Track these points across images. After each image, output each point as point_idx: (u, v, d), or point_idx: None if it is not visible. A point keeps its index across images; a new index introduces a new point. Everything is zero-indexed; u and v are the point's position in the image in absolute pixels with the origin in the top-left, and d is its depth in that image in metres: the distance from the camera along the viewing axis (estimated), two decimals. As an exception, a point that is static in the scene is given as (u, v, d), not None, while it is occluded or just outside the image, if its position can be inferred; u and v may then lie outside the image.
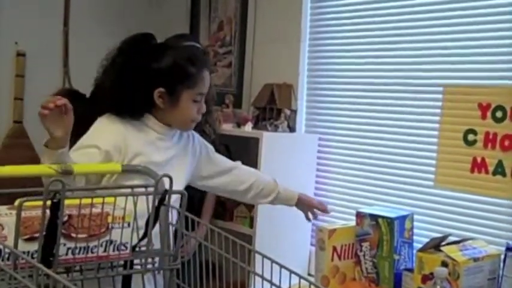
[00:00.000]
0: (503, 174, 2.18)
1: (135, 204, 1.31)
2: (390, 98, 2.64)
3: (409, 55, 2.57)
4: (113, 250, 1.29)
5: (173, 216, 1.50)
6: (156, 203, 1.34)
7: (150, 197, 1.33)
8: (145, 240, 1.35)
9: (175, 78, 1.84)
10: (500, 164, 2.19)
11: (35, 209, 1.18)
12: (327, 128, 2.89)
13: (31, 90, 3.15)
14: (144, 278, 1.40)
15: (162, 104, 1.85)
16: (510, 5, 2.26)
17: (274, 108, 2.85)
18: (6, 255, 1.14)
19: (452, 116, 2.34)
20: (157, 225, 1.39)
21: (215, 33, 3.40)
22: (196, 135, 2.07)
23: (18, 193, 1.22)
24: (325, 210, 2.28)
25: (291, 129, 2.86)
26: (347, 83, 2.82)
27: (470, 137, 2.27)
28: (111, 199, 1.28)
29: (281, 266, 1.32)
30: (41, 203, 1.14)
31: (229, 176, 2.12)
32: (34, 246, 1.17)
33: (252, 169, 2.24)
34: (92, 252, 1.26)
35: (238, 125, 2.90)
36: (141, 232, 1.36)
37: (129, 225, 1.30)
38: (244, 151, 2.84)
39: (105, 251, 1.27)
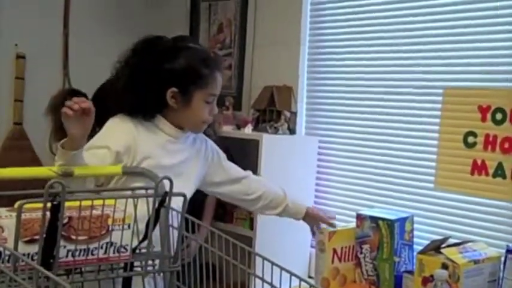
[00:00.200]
0: (503, 177, 2.18)
1: (135, 206, 1.31)
2: (390, 100, 2.64)
3: (409, 57, 2.57)
4: (113, 252, 1.28)
5: (174, 219, 1.50)
6: (157, 205, 1.33)
7: (151, 199, 1.33)
8: (146, 242, 1.34)
9: (188, 79, 1.85)
10: (500, 166, 2.19)
11: (35, 211, 1.18)
12: (327, 130, 2.89)
13: (31, 92, 3.15)
14: (144, 280, 1.40)
15: (174, 104, 1.86)
16: (510, 8, 2.27)
17: (274, 111, 2.85)
18: (6, 257, 1.14)
19: (452, 118, 2.34)
20: (157, 228, 1.38)
21: (215, 35, 3.41)
22: (210, 141, 2.08)
23: (18, 195, 1.22)
24: (331, 225, 2.28)
25: (291, 131, 2.86)
26: (347, 85, 2.82)
27: (470, 139, 2.27)
28: (112, 201, 1.27)
29: (281, 268, 1.32)
30: (41, 205, 1.14)
31: (239, 185, 2.12)
32: (34, 248, 1.17)
33: (263, 179, 2.25)
34: (92, 254, 1.25)
35: (238, 127, 2.90)
36: (142, 235, 1.36)
37: (129, 227, 1.30)
38: (244, 153, 2.84)
39: (105, 253, 1.27)
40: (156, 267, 1.39)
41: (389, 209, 2.53)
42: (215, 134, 2.69)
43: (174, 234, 1.45)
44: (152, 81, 1.83)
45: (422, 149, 2.51)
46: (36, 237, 1.17)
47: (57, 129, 2.27)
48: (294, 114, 2.88)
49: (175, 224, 1.44)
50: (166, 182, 1.34)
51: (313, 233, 2.30)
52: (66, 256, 1.22)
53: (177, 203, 1.37)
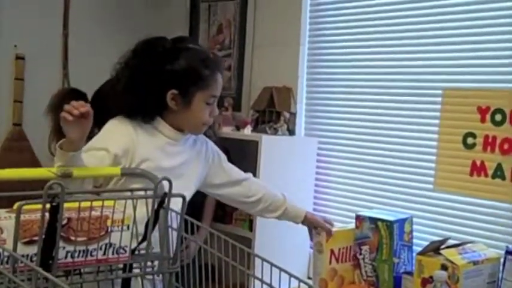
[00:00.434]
0: (503, 178, 2.18)
1: (134, 207, 1.31)
2: (389, 101, 2.64)
3: (408, 58, 2.57)
4: (112, 253, 1.28)
5: (173, 220, 1.50)
6: (156, 207, 1.33)
7: (150, 201, 1.33)
8: (145, 243, 1.34)
9: (188, 80, 1.84)
10: (499, 168, 2.19)
11: (34, 212, 1.18)
12: (327, 131, 2.89)
13: (30, 93, 3.15)
14: (143, 282, 1.40)
15: (174, 106, 1.86)
16: (509, 9, 2.27)
17: (274, 111, 2.86)
18: (5, 259, 1.14)
19: (452, 119, 2.34)
20: (156, 229, 1.38)
21: (214, 36, 3.41)
22: (210, 143, 2.07)
23: (17, 196, 1.22)
24: (329, 232, 2.28)
25: (291, 132, 2.86)
26: (346, 86, 2.82)
27: (470, 140, 2.27)
28: (111, 202, 1.27)
29: (280, 270, 1.32)
30: (40, 206, 1.14)
31: (239, 187, 2.11)
32: (33, 250, 1.17)
33: (263, 183, 2.24)
34: (91, 256, 1.25)
35: (238, 128, 2.90)
36: (141, 236, 1.36)
37: (128, 228, 1.30)
38: (243, 154, 2.84)
39: (104, 254, 1.27)
40: (155, 268, 1.39)
41: (388, 210, 2.52)
42: (215, 135, 2.69)
43: (173, 236, 1.45)
44: (152, 83, 1.83)
45: (421, 149, 2.51)
46: (35, 238, 1.17)
47: (56, 130, 2.27)
48: (294, 115, 2.88)
49: (175, 225, 1.44)
50: (165, 183, 1.34)
51: (312, 238, 2.30)
52: (65, 257, 1.22)
53: (176, 204, 1.37)
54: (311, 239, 2.31)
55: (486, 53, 2.33)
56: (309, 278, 2.70)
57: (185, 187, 1.81)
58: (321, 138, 2.90)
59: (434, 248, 2.13)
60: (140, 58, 1.86)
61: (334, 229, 2.32)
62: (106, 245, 1.27)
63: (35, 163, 3.05)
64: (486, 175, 2.22)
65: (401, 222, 2.34)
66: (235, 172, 2.13)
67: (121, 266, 1.32)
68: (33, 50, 3.16)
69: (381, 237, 2.30)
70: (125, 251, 1.30)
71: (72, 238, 1.23)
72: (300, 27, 2.96)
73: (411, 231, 2.38)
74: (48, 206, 1.15)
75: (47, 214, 1.15)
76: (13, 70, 3.14)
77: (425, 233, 2.45)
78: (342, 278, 2.37)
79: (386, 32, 2.65)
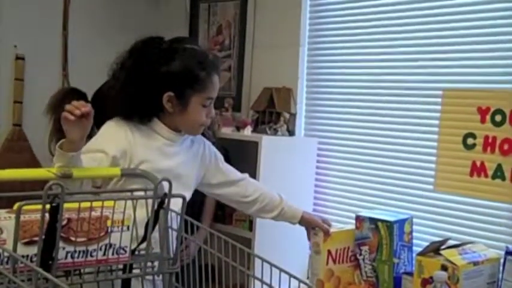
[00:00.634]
0: (503, 178, 2.18)
1: (134, 208, 1.31)
2: (389, 101, 2.64)
3: (408, 59, 2.57)
4: (112, 254, 1.28)
5: (173, 220, 1.50)
6: (156, 207, 1.33)
7: (149, 202, 1.33)
8: (145, 243, 1.34)
9: (184, 83, 1.83)
10: (499, 168, 2.19)
11: (34, 212, 1.18)
12: (326, 131, 2.89)
13: (30, 94, 3.15)
14: (143, 282, 1.40)
15: (170, 108, 1.85)
16: (509, 9, 2.27)
17: (274, 112, 2.86)
18: (5, 259, 1.14)
19: (452, 119, 2.34)
20: (156, 229, 1.38)
21: (214, 36, 3.41)
22: (208, 143, 2.07)
23: (17, 197, 1.22)
24: (327, 232, 2.28)
25: (290, 132, 2.86)
26: (346, 86, 2.82)
27: (470, 140, 2.27)
28: (111, 203, 1.27)
29: (280, 270, 1.32)
30: (40, 206, 1.14)
31: (236, 187, 2.11)
32: (33, 250, 1.17)
33: (260, 183, 2.24)
34: (91, 256, 1.25)
35: (238, 129, 2.90)
36: (141, 238, 1.36)
37: (128, 229, 1.30)
38: (243, 155, 2.84)
39: (104, 254, 1.27)
40: (155, 268, 1.39)
41: (388, 210, 2.52)
42: (214, 136, 2.69)
43: (173, 236, 1.45)
44: (148, 85, 1.82)
45: (421, 150, 2.51)
46: (35, 238, 1.17)
47: (56, 129, 2.27)
48: (293, 115, 2.88)
49: (175, 226, 1.44)
50: (165, 184, 1.34)
51: (310, 239, 2.30)
52: (65, 258, 1.22)
53: (175, 204, 1.37)
54: (309, 239, 2.31)
55: (486, 54, 2.33)
56: (308, 278, 2.70)
57: (183, 188, 1.80)
58: (321, 139, 2.89)
59: (434, 249, 2.13)
60: (136, 59, 1.84)
61: (331, 230, 2.32)
62: (106, 245, 1.27)
63: (35, 163, 3.05)
64: (486, 176, 2.22)
65: (401, 222, 2.34)
66: (232, 172, 2.13)
67: (121, 266, 1.32)
68: (33, 50, 3.16)
69: (380, 237, 2.30)
70: (125, 252, 1.30)
71: (72, 238, 1.23)
72: (300, 28, 2.96)
73: (411, 232, 2.38)
74: (48, 206, 1.15)
75: (47, 214, 1.15)
76: (13, 70, 3.15)
77: (425, 234, 2.45)
78: (338, 279, 2.37)
79: (386, 33, 2.65)
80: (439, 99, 2.38)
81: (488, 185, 2.22)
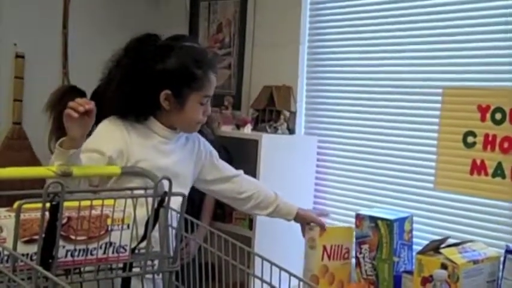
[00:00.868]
0: (503, 177, 2.18)
1: (134, 206, 1.31)
2: (389, 99, 2.63)
3: (408, 57, 2.57)
4: (112, 252, 1.28)
5: (173, 218, 1.50)
6: (156, 205, 1.33)
7: (150, 200, 1.33)
8: (145, 242, 1.34)
9: (182, 81, 1.83)
10: (499, 166, 2.19)
11: (34, 211, 1.18)
12: (327, 129, 2.89)
13: (30, 92, 3.15)
14: (143, 281, 1.40)
15: (167, 107, 1.85)
16: (509, 7, 2.26)
17: (274, 110, 2.85)
18: (5, 258, 1.14)
19: (452, 118, 2.33)
20: (156, 229, 1.38)
21: (214, 34, 3.40)
22: (203, 139, 2.07)
23: (17, 195, 1.21)
24: (323, 227, 2.27)
25: (291, 131, 2.86)
26: (346, 84, 2.82)
27: (470, 139, 2.27)
28: (111, 201, 1.27)
29: (280, 269, 1.32)
30: (40, 205, 1.14)
31: (231, 184, 2.12)
32: (33, 249, 1.17)
33: (255, 180, 2.24)
34: (91, 255, 1.25)
35: (238, 127, 2.90)
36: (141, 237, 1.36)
37: (128, 227, 1.30)
38: (243, 153, 2.84)
39: (104, 253, 1.27)
40: (155, 267, 1.39)
41: (388, 209, 2.52)
42: (213, 134, 2.70)
43: (173, 235, 1.45)
44: (145, 83, 1.81)
45: (421, 148, 2.51)
46: (35, 237, 1.17)
47: (55, 127, 2.27)
48: (293, 114, 2.88)
49: (174, 224, 1.44)
50: (165, 182, 1.34)
51: (304, 235, 2.30)
52: (65, 256, 1.22)
53: (174, 203, 1.37)
54: (303, 235, 2.30)
55: (486, 52, 2.32)
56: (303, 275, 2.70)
57: (181, 186, 1.80)
58: (321, 137, 2.89)
59: (434, 247, 2.13)
60: (132, 57, 1.84)
61: (327, 225, 2.31)
62: (106, 244, 1.27)
63: (35, 162, 3.05)
64: (486, 174, 2.22)
65: (401, 221, 2.34)
66: (227, 169, 2.13)
67: (121, 265, 1.32)
68: (33, 48, 3.16)
69: (380, 236, 2.30)
70: (125, 250, 1.30)
71: (72, 237, 1.23)
72: (300, 26, 2.96)
73: (411, 230, 2.38)
74: (48, 205, 1.15)
75: (46, 213, 1.15)
76: (13, 68, 3.14)
77: (425, 232, 2.45)
78: (333, 276, 2.35)
79: (386, 31, 2.65)
80: (439, 98, 2.38)
81: (488, 184, 2.22)
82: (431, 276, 2.00)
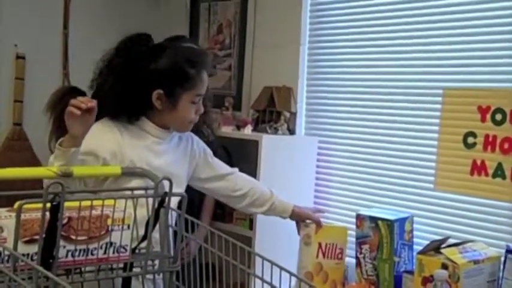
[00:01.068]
0: (503, 177, 2.18)
1: (134, 206, 1.31)
2: (390, 100, 2.64)
3: (408, 58, 2.57)
4: (113, 252, 1.28)
5: (173, 219, 1.50)
6: (156, 206, 1.33)
7: (150, 200, 1.33)
8: (145, 242, 1.34)
9: (174, 80, 1.83)
10: (499, 167, 2.19)
11: (34, 211, 1.18)
12: (327, 130, 2.89)
13: (31, 93, 3.15)
14: (144, 281, 1.40)
15: (160, 106, 1.85)
16: (510, 9, 2.27)
17: (274, 111, 2.86)
18: (6, 258, 1.14)
19: (452, 118, 2.34)
20: (157, 229, 1.38)
21: (214, 36, 3.41)
22: (196, 138, 2.07)
23: (17, 195, 1.22)
24: (319, 224, 2.27)
25: (291, 131, 2.86)
26: (347, 85, 2.82)
27: (470, 139, 2.27)
28: (111, 201, 1.27)
29: (281, 268, 1.32)
30: (40, 205, 1.14)
31: (225, 182, 2.12)
32: (34, 249, 1.17)
33: (250, 178, 2.24)
34: (92, 255, 1.25)
35: (238, 128, 2.90)
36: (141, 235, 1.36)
37: (128, 227, 1.30)
38: (243, 154, 2.84)
39: (105, 253, 1.27)
40: (156, 267, 1.39)
41: (389, 209, 2.53)
42: (213, 134, 2.70)
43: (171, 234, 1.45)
44: (137, 83, 1.81)
45: (422, 149, 2.51)
46: (36, 237, 1.17)
47: (56, 128, 2.27)
48: (294, 114, 2.88)
49: (173, 224, 1.44)
50: (166, 183, 1.34)
51: (299, 232, 2.29)
52: (66, 256, 1.22)
53: (172, 203, 1.37)
54: (299, 233, 2.29)
55: (486, 53, 2.33)
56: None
57: (176, 186, 1.79)
58: (321, 138, 2.89)
59: (435, 247, 2.13)
60: (123, 57, 1.84)
61: (324, 224, 2.30)
62: (107, 244, 1.27)
63: (35, 162, 3.05)
64: (486, 174, 2.22)
65: (402, 221, 2.34)
66: (221, 167, 2.13)
67: (121, 265, 1.32)
68: (34, 49, 3.16)
69: (381, 236, 2.30)
70: (126, 250, 1.30)
71: (73, 237, 1.23)
72: (300, 27, 2.96)
73: (411, 230, 2.38)
74: (48, 205, 1.16)
75: (47, 213, 1.15)
76: (13, 69, 3.15)
77: (425, 232, 2.45)
78: (326, 275, 2.32)
79: (387, 32, 2.65)
80: (440, 98, 2.38)
81: (488, 184, 2.22)
82: (431, 276, 2.00)
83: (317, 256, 2.30)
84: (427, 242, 2.21)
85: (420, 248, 2.19)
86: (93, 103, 1.58)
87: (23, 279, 1.07)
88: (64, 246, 1.21)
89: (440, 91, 2.39)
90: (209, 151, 2.10)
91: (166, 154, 1.91)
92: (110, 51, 1.86)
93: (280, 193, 2.25)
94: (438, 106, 2.39)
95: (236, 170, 2.17)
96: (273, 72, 3.05)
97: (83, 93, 2.39)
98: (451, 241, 2.21)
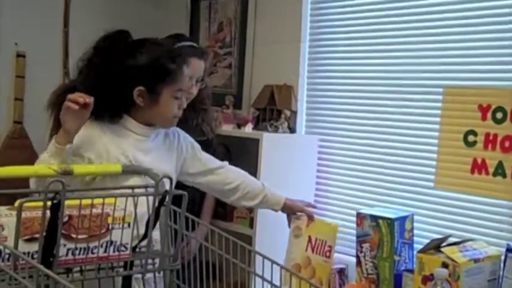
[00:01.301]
0: (504, 175, 2.18)
1: (135, 205, 1.31)
2: (390, 99, 2.63)
3: (409, 56, 2.57)
4: (113, 251, 1.28)
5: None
6: (157, 204, 1.33)
7: (150, 198, 1.33)
8: (146, 241, 1.34)
9: (154, 76, 1.82)
10: (500, 165, 2.19)
11: (35, 209, 1.18)
12: (327, 128, 2.89)
13: (31, 91, 3.15)
14: (144, 279, 1.40)
15: (142, 103, 1.84)
16: (510, 7, 2.26)
17: (275, 109, 2.85)
18: (7, 256, 1.14)
19: (453, 117, 2.33)
20: (157, 228, 1.38)
21: (215, 34, 3.40)
22: (183, 133, 2.06)
23: (18, 194, 1.22)
24: (311, 216, 2.26)
25: (291, 130, 2.86)
26: (347, 83, 2.82)
27: (471, 138, 2.27)
28: (112, 200, 1.27)
29: (281, 267, 1.32)
30: (41, 203, 1.14)
31: (216, 176, 2.11)
32: (34, 247, 1.17)
33: (241, 171, 2.21)
34: (92, 253, 1.25)
35: (239, 126, 2.90)
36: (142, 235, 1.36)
37: (129, 226, 1.30)
38: (244, 152, 2.84)
39: (105, 251, 1.27)
40: (156, 265, 1.39)
41: (389, 207, 2.52)
42: (212, 132, 2.70)
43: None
44: (117, 81, 1.80)
45: (422, 147, 2.51)
46: (37, 235, 1.17)
47: (56, 126, 2.27)
48: (294, 113, 2.88)
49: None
50: (166, 181, 1.34)
51: (290, 225, 2.28)
52: (66, 255, 1.22)
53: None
54: (289, 225, 2.28)
55: (487, 51, 2.32)
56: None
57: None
58: (322, 136, 2.89)
59: (435, 246, 2.13)
60: (102, 55, 1.82)
61: (316, 218, 2.29)
62: (107, 242, 1.27)
63: (36, 160, 3.05)
64: (487, 173, 2.22)
65: (402, 220, 2.34)
66: (211, 161, 2.12)
67: (122, 263, 1.33)
68: (34, 47, 3.16)
69: (381, 234, 2.30)
70: (126, 249, 1.30)
71: (73, 235, 1.23)
72: (301, 25, 2.96)
73: (412, 229, 2.38)
74: (49, 203, 1.16)
75: (48, 211, 1.16)
76: (14, 68, 3.14)
77: (426, 231, 2.45)
78: (313, 270, 2.29)
79: (387, 30, 2.65)
80: (440, 97, 2.38)
81: (489, 182, 2.22)
82: (432, 275, 2.00)
83: (306, 249, 2.27)
84: (427, 241, 2.21)
85: (420, 246, 2.19)
86: (91, 99, 1.58)
87: (24, 277, 1.07)
88: (64, 245, 1.22)
89: (441, 89, 2.39)
90: (197, 145, 2.09)
91: (153, 151, 1.90)
92: (89, 50, 1.85)
93: (281, 191, 2.25)
94: (439, 104, 2.39)
95: (226, 163, 2.16)
96: (274, 71, 3.05)
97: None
98: (452, 240, 2.20)
